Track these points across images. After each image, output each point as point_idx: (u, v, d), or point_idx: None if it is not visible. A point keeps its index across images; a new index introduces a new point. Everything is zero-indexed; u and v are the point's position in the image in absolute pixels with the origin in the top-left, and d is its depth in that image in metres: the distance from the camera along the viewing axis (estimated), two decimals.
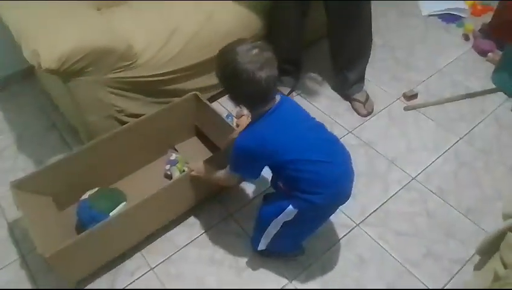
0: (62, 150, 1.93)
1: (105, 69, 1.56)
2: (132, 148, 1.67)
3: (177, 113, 1.74)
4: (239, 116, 1.94)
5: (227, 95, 1.24)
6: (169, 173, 1.73)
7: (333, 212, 1.38)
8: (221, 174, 1.36)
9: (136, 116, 1.74)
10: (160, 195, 1.44)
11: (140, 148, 1.71)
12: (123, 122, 1.74)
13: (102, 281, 1.50)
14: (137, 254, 1.57)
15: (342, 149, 1.29)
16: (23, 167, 1.87)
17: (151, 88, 1.72)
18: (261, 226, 1.35)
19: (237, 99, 1.19)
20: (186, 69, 1.76)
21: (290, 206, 1.23)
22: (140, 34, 1.67)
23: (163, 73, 1.70)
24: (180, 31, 1.71)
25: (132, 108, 1.73)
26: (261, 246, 1.39)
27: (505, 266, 1.06)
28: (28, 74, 2.21)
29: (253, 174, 1.28)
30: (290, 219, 1.26)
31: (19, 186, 1.47)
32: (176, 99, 1.73)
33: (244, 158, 1.22)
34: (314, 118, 1.30)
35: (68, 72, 1.47)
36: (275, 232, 1.32)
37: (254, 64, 1.06)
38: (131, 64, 1.61)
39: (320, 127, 1.29)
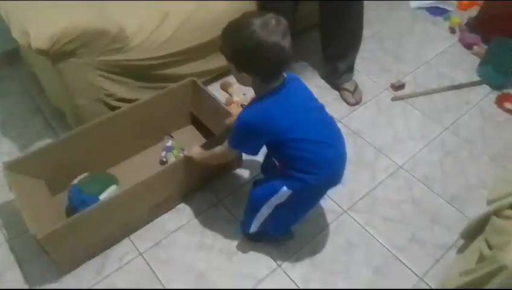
0: (47, 135, 1.90)
1: (97, 52, 1.54)
2: (127, 133, 1.66)
3: (173, 98, 1.72)
4: (229, 104, 1.94)
5: (231, 77, 1.21)
6: (164, 159, 1.72)
7: (324, 195, 1.40)
8: (218, 150, 1.35)
9: (125, 100, 1.73)
10: (153, 180, 1.43)
11: (135, 134, 1.70)
12: (112, 107, 1.73)
13: (90, 267, 1.50)
14: (126, 240, 1.56)
15: (339, 132, 1.31)
16: (8, 151, 1.83)
17: (141, 72, 1.71)
18: (253, 209, 1.36)
19: (254, 73, 1.14)
20: (177, 54, 1.75)
21: (284, 187, 1.24)
22: (132, 17, 1.65)
23: (154, 57, 1.69)
24: (172, 15, 1.70)
25: (122, 92, 1.71)
26: (253, 228, 1.41)
27: (490, 247, 1.09)
28: (13, 57, 2.16)
29: (254, 151, 1.26)
30: (283, 201, 1.27)
31: (12, 167, 1.44)
32: (172, 85, 1.71)
33: (248, 134, 1.21)
34: (317, 99, 1.30)
35: (58, 53, 1.44)
36: (267, 214, 1.33)
37: (277, 35, 1.06)
38: (122, 47, 1.59)
39: (322, 108, 1.30)
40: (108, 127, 1.59)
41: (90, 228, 1.40)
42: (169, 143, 1.75)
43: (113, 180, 1.55)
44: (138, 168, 1.69)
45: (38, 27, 1.41)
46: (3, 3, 1.52)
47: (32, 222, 1.28)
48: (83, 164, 1.59)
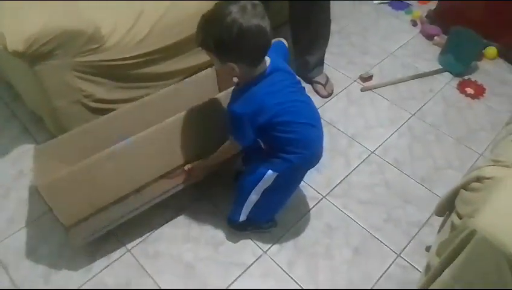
0: (25, 140, 1.89)
1: (73, 52, 1.55)
2: (152, 121, 1.53)
3: (199, 85, 1.70)
4: None
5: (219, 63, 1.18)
6: None
7: (304, 175, 1.47)
8: (226, 145, 1.38)
9: (104, 101, 1.75)
10: (161, 131, 1.39)
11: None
12: (90, 108, 1.74)
13: (79, 265, 1.51)
14: (113, 238, 1.58)
15: (318, 113, 1.37)
16: None
17: (119, 72, 1.72)
18: (242, 197, 1.41)
19: (240, 60, 1.14)
20: (154, 53, 1.77)
21: (270, 171, 1.30)
22: (107, 17, 1.66)
23: (131, 56, 1.70)
24: (146, 13, 1.72)
25: (100, 93, 1.72)
26: (242, 216, 1.46)
27: (460, 217, 1.19)
28: None
29: (251, 140, 1.29)
30: (269, 184, 1.33)
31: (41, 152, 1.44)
32: (200, 73, 1.69)
33: (243, 125, 1.22)
34: (299, 80, 1.34)
35: (35, 55, 1.45)
36: (255, 200, 1.39)
37: (257, 17, 1.07)
38: (99, 47, 1.60)
39: (303, 90, 1.35)
40: (134, 114, 1.58)
41: (95, 182, 1.34)
42: None
43: None
44: None
45: (14, 29, 1.41)
46: None
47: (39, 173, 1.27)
48: None
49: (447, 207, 1.36)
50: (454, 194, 1.29)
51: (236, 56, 1.13)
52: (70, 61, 1.57)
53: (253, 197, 1.38)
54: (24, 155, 1.83)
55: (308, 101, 1.35)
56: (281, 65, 1.26)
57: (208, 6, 1.83)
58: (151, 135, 1.38)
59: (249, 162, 1.56)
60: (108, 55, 1.65)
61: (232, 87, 1.33)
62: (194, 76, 1.72)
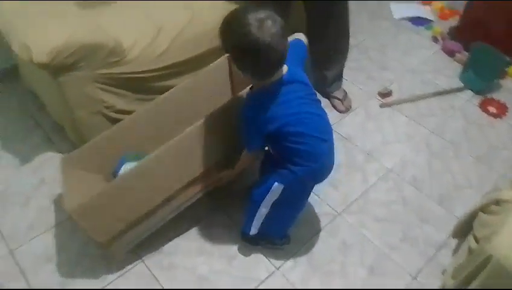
0: (47, 149, 1.94)
1: (95, 65, 1.59)
2: (172, 118, 1.64)
3: (213, 78, 1.72)
4: None
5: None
6: None
7: (312, 189, 1.45)
8: (244, 152, 1.39)
9: (124, 112, 1.78)
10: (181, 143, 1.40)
11: (180, 118, 1.62)
12: (111, 119, 1.77)
13: (92, 274, 1.53)
14: None
15: (330, 128, 1.36)
16: (6, 164, 1.87)
17: (139, 85, 1.76)
18: (252, 210, 1.41)
19: (251, 72, 1.16)
20: (173, 66, 1.80)
21: (276, 183, 1.30)
22: (128, 32, 1.70)
23: (150, 70, 1.74)
24: (166, 28, 1.76)
25: (120, 104, 1.76)
26: (253, 230, 1.46)
27: (477, 240, 1.16)
28: (10, 73, 2.20)
29: (259, 144, 1.30)
30: (277, 197, 1.33)
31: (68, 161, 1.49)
32: (210, 65, 1.69)
33: (250, 128, 1.24)
34: (314, 91, 1.32)
35: (59, 67, 1.50)
36: (266, 213, 1.39)
37: (273, 35, 1.06)
38: (120, 60, 1.65)
39: (319, 102, 1.33)
40: (155, 113, 1.61)
41: (124, 198, 1.37)
42: None
43: None
44: None
45: (39, 41, 1.46)
46: (2, 20, 1.57)
47: (69, 197, 1.31)
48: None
49: (465, 229, 1.33)
50: (472, 216, 1.26)
51: (247, 67, 1.15)
52: (92, 73, 1.61)
53: (263, 210, 1.38)
54: (45, 164, 1.87)
55: (322, 115, 1.33)
56: (297, 76, 1.25)
57: None
58: (173, 147, 1.39)
59: (262, 173, 1.56)
60: (129, 68, 1.69)
61: (248, 88, 1.34)
62: (205, 68, 1.69)
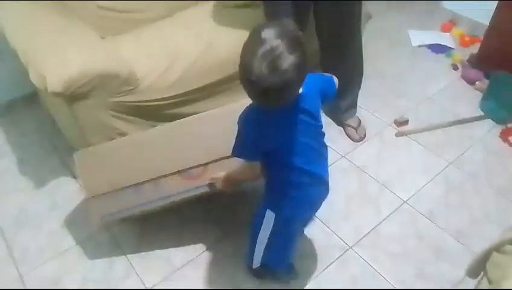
0: (62, 173, 1.98)
1: (109, 93, 1.62)
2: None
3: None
4: None
5: None
6: None
7: (304, 220, 1.44)
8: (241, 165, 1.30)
9: None
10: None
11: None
12: None
13: None
14: (133, 273, 1.60)
15: (324, 164, 1.29)
16: (24, 188, 1.91)
17: (151, 112, 1.78)
18: (252, 241, 1.39)
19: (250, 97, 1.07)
20: (186, 94, 1.83)
21: (268, 210, 1.27)
22: (143, 60, 1.74)
23: (164, 98, 1.77)
24: (180, 57, 1.79)
25: (133, 131, 1.78)
26: (255, 262, 1.43)
27: (490, 281, 1.10)
28: (32, 98, 2.29)
29: (251, 154, 1.20)
30: (272, 226, 1.29)
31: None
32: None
33: (243, 134, 1.16)
34: (320, 122, 1.23)
35: (73, 96, 1.53)
36: (265, 245, 1.36)
37: (270, 72, 0.94)
38: (133, 88, 1.68)
39: (321, 136, 1.26)
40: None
41: (118, 161, 1.49)
42: None
43: None
44: None
45: (54, 71, 1.50)
46: (22, 47, 1.63)
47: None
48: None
49: (480, 269, 1.26)
50: (487, 255, 1.20)
51: (249, 95, 1.05)
52: (105, 101, 1.64)
53: (261, 241, 1.35)
54: (60, 188, 1.91)
55: (319, 149, 1.25)
56: (306, 104, 1.15)
57: (239, 51, 1.88)
58: (174, 128, 1.43)
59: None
60: (142, 96, 1.72)
61: None
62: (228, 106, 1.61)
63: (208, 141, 1.50)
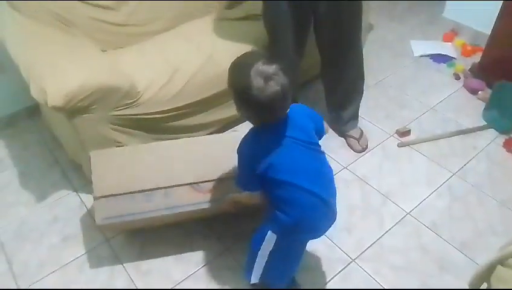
0: (64, 186, 1.98)
1: (109, 107, 1.63)
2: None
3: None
4: None
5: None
6: None
7: (305, 242, 1.39)
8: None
9: None
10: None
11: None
12: None
13: None
14: (133, 288, 1.58)
15: (328, 182, 1.28)
16: (26, 201, 1.91)
17: (152, 125, 1.79)
18: (251, 258, 1.36)
19: (245, 116, 1.17)
20: (186, 107, 1.83)
21: (270, 232, 1.25)
22: (143, 73, 1.75)
23: (164, 110, 1.77)
24: (181, 70, 1.80)
25: (133, 144, 1.79)
26: (254, 278, 1.40)
27: None
28: (33, 111, 2.30)
29: (249, 185, 1.25)
30: (272, 247, 1.27)
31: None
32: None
33: (245, 166, 1.22)
34: (317, 142, 1.26)
35: (73, 110, 1.54)
36: (264, 263, 1.33)
37: (273, 96, 1.06)
38: (134, 102, 1.68)
39: (321, 153, 1.27)
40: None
41: (133, 166, 1.54)
42: None
43: None
44: None
45: (54, 85, 1.51)
46: (23, 61, 1.64)
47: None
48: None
49: (482, 281, 1.23)
50: (490, 268, 1.17)
51: (244, 114, 1.16)
52: (106, 114, 1.65)
53: (261, 259, 1.32)
54: (61, 201, 1.91)
55: (319, 168, 1.25)
56: (298, 121, 1.21)
57: None
58: (189, 143, 1.53)
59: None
60: (142, 109, 1.72)
61: None
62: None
63: (219, 159, 1.57)
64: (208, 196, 1.55)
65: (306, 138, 1.21)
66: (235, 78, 1.13)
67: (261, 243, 1.29)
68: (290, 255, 1.38)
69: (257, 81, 1.05)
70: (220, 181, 1.56)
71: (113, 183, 1.53)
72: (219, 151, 1.58)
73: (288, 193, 1.19)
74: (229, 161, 1.45)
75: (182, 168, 1.57)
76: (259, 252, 1.31)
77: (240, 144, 1.23)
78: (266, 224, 1.28)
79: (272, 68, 1.06)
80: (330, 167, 1.30)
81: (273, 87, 1.06)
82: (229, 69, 1.15)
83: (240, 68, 1.12)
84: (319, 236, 1.33)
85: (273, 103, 1.08)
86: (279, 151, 1.16)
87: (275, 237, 1.25)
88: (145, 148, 1.64)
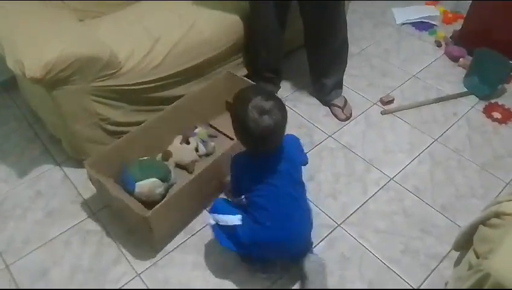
0: (45, 161, 1.93)
1: (90, 78, 1.58)
2: (174, 124, 1.85)
3: (212, 91, 1.91)
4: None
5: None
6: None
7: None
8: None
9: (121, 124, 1.77)
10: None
11: (180, 124, 1.87)
12: (107, 131, 1.77)
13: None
14: (123, 259, 1.58)
15: (301, 213, 1.41)
16: (5, 177, 1.87)
17: (134, 96, 1.75)
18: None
19: (240, 141, 1.33)
20: (168, 77, 1.79)
21: (239, 216, 1.38)
22: (124, 43, 1.70)
23: (146, 81, 1.73)
24: (163, 40, 1.75)
25: (116, 116, 1.75)
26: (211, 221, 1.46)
27: (477, 255, 1.12)
28: (10, 85, 2.21)
29: (237, 188, 1.44)
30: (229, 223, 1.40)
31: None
32: (214, 79, 1.92)
33: (235, 171, 1.43)
34: (299, 174, 1.41)
35: (53, 81, 1.49)
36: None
37: (267, 130, 1.21)
38: (115, 72, 1.64)
39: (299, 185, 1.42)
40: (161, 121, 1.78)
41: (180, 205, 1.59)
42: (196, 130, 1.91)
43: (162, 174, 1.66)
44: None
45: (32, 56, 1.45)
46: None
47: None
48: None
49: (465, 242, 1.28)
50: (472, 229, 1.22)
51: (240, 140, 1.32)
52: (87, 86, 1.60)
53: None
54: (43, 176, 1.87)
55: (297, 198, 1.39)
56: (289, 153, 1.36)
57: (221, 31, 1.86)
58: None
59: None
60: (125, 80, 1.68)
61: None
62: (206, 85, 1.90)
63: None
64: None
65: (291, 171, 1.37)
66: (236, 109, 1.26)
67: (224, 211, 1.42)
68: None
69: (253, 114, 1.20)
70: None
71: (167, 229, 1.63)
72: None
73: (258, 213, 1.35)
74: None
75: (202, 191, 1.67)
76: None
77: (234, 158, 1.41)
78: (240, 209, 1.41)
79: (268, 104, 1.20)
80: (307, 201, 1.46)
81: (267, 121, 1.20)
82: (232, 98, 1.30)
83: (240, 101, 1.25)
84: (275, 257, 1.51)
85: (266, 135, 1.22)
86: (261, 188, 1.33)
87: (240, 220, 1.37)
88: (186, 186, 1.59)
